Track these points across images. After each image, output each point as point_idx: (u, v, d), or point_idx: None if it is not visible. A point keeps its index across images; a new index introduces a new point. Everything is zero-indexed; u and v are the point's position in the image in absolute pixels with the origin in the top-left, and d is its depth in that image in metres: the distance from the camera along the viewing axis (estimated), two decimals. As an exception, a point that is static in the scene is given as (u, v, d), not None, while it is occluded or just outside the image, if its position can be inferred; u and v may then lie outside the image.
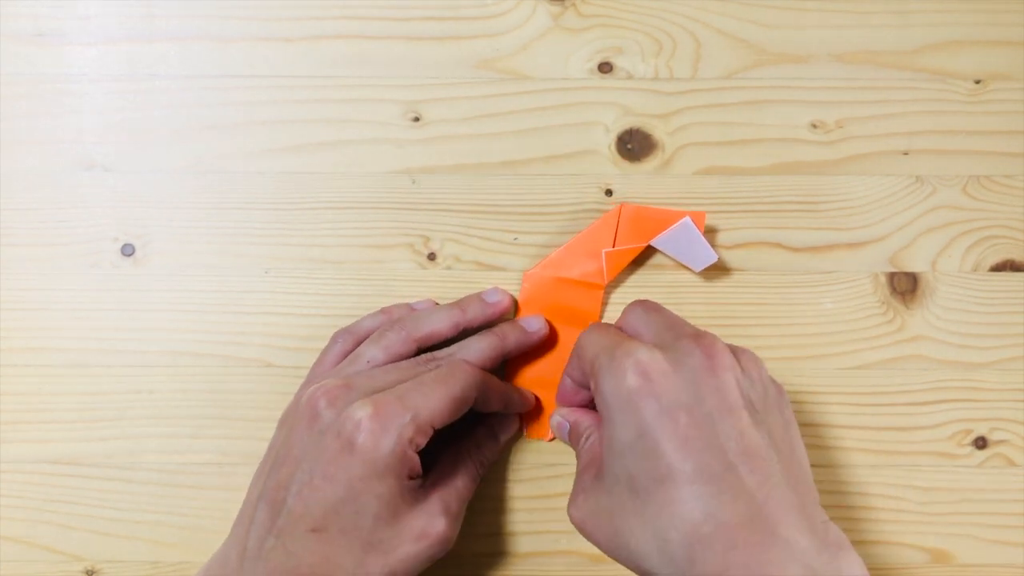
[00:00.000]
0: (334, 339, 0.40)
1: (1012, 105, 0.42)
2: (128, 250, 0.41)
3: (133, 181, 0.41)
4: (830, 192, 0.42)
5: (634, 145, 0.42)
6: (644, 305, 0.36)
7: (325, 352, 0.40)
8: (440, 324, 0.39)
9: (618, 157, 0.42)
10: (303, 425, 0.35)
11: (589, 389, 0.35)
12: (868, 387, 0.41)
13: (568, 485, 0.41)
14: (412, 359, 0.38)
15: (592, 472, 0.35)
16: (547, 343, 0.40)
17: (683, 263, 0.41)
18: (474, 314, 0.39)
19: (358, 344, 0.39)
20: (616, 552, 0.33)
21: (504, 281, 0.41)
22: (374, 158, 0.42)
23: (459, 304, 0.40)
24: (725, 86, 0.42)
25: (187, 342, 0.41)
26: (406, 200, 0.41)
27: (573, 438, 0.37)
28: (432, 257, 0.41)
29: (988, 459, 0.41)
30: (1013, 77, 0.42)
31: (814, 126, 0.42)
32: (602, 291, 0.41)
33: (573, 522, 0.35)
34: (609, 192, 0.42)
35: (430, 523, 0.35)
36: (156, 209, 0.41)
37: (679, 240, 0.40)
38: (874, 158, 0.42)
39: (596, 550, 0.41)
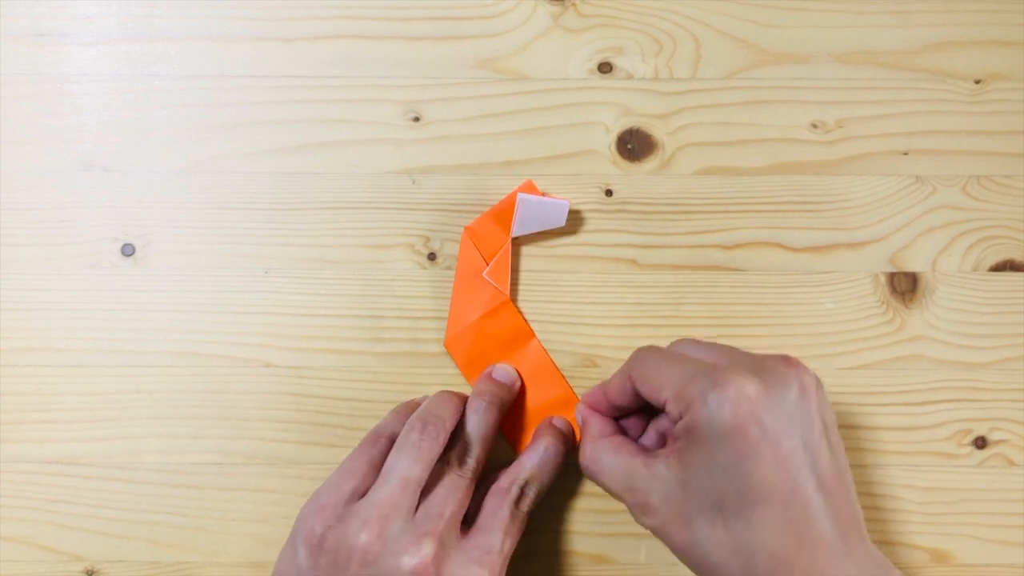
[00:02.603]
0: (369, 442, 0.38)
1: (1012, 105, 0.42)
2: (128, 250, 0.41)
3: (133, 181, 0.41)
4: (830, 192, 0.42)
5: (634, 145, 0.42)
6: (697, 340, 0.37)
7: (357, 462, 0.37)
8: (455, 414, 0.38)
9: (618, 157, 0.42)
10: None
11: (623, 406, 0.37)
12: (868, 387, 0.41)
13: (567, 484, 0.41)
14: (448, 473, 0.37)
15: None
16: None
17: (551, 228, 0.40)
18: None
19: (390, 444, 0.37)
20: (690, 558, 0.34)
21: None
22: (374, 158, 0.42)
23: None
24: (725, 86, 0.42)
25: (187, 342, 0.41)
26: (406, 200, 0.41)
27: None
28: (432, 257, 0.41)
29: (988, 459, 0.41)
30: (1013, 77, 0.42)
31: (814, 126, 0.42)
32: (511, 303, 0.41)
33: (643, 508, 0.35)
34: (609, 192, 0.42)
35: None
36: (156, 209, 0.41)
37: (529, 216, 0.40)
38: (874, 158, 0.42)
39: (597, 550, 0.41)
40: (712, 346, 0.36)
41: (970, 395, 0.41)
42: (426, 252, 0.41)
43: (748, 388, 0.33)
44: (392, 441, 0.37)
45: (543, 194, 0.40)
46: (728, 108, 0.42)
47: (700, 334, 0.41)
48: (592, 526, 0.41)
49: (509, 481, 0.38)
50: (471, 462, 0.37)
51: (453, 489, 0.36)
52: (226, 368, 0.41)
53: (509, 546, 0.37)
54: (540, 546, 0.41)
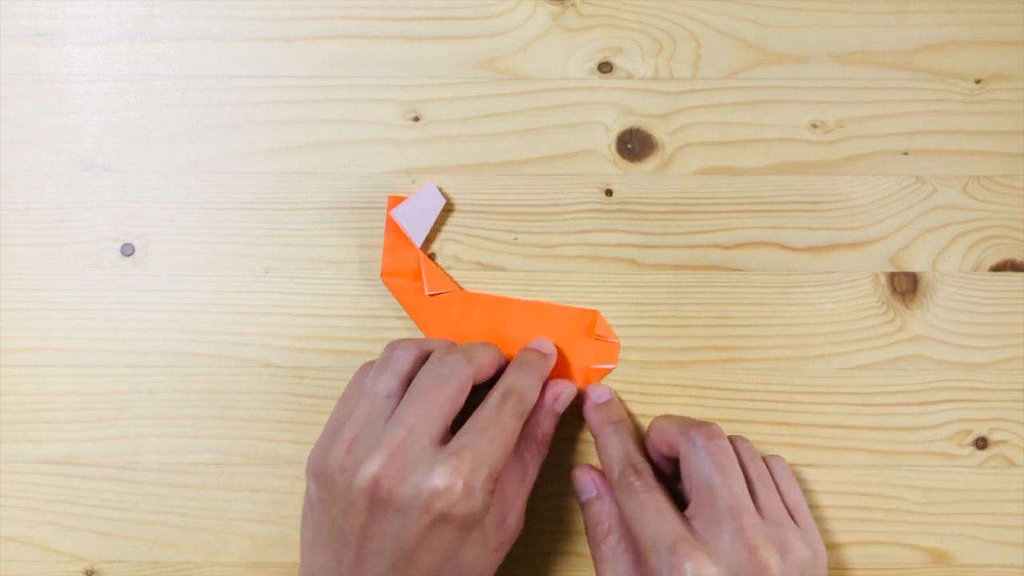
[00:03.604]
0: (357, 377, 0.38)
1: (1012, 105, 0.42)
2: (128, 250, 0.41)
3: (133, 181, 0.41)
4: (830, 192, 0.42)
5: (634, 145, 0.42)
6: (712, 451, 0.37)
7: (344, 395, 0.38)
8: (490, 359, 0.38)
9: (618, 157, 0.42)
10: (365, 512, 0.34)
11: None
12: (868, 387, 0.41)
13: (567, 485, 0.41)
14: (432, 375, 0.37)
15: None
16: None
17: (439, 213, 0.41)
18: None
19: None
20: None
21: (504, 281, 0.41)
22: (374, 158, 0.42)
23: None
24: (725, 86, 0.42)
25: (187, 342, 0.41)
26: (406, 200, 0.42)
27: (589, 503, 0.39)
28: (432, 257, 0.41)
29: (988, 459, 0.41)
30: (1013, 77, 0.42)
31: (814, 126, 0.42)
32: (467, 291, 0.41)
33: None
34: (609, 192, 0.42)
35: (507, 525, 0.37)
36: (156, 209, 0.41)
37: (414, 220, 0.41)
38: (874, 158, 0.42)
39: (596, 550, 0.41)
40: (716, 481, 0.36)
41: (971, 395, 0.41)
42: (426, 252, 0.41)
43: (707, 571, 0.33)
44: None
45: (404, 197, 0.41)
46: (728, 108, 0.42)
47: (700, 334, 0.41)
48: (592, 526, 0.41)
49: (491, 392, 0.37)
50: (452, 357, 0.37)
51: (431, 380, 0.36)
52: (226, 368, 0.41)
53: (489, 447, 0.35)
54: (540, 546, 0.41)
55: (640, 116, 0.42)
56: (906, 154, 0.42)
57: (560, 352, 0.41)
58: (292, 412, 0.41)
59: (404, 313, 0.41)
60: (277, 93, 0.42)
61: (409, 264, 0.41)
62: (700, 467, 0.36)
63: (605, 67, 0.42)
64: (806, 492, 0.41)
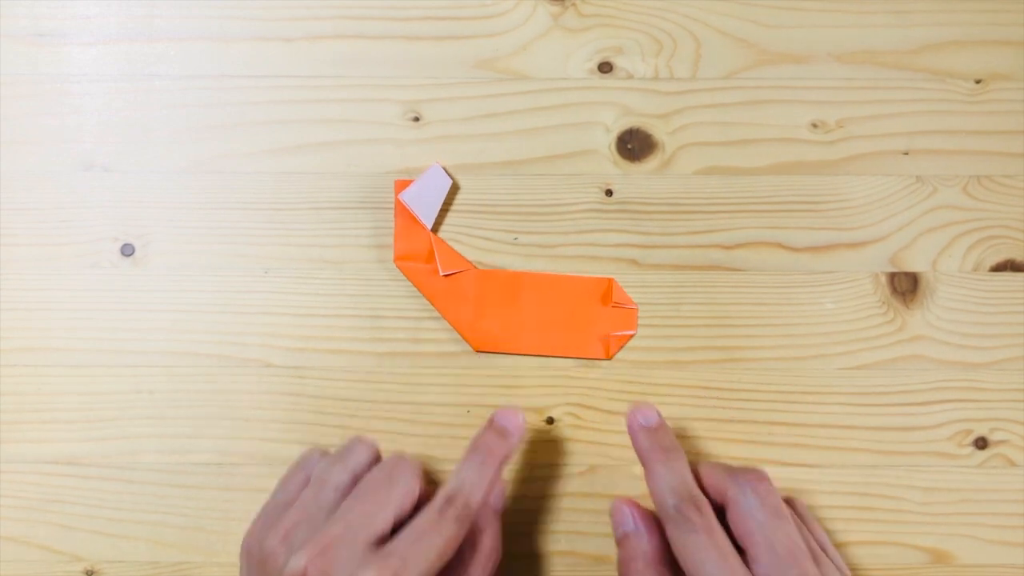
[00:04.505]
0: (303, 459, 0.38)
1: (1012, 105, 0.42)
2: (128, 250, 0.41)
3: (133, 181, 0.41)
4: (830, 192, 0.42)
5: (634, 145, 0.42)
6: (763, 495, 0.36)
7: (287, 477, 0.38)
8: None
9: (618, 157, 0.42)
10: None
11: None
12: (868, 387, 0.41)
13: (568, 485, 0.41)
14: (379, 477, 0.35)
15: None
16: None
17: (446, 193, 0.41)
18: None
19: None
20: None
21: (504, 281, 0.41)
22: (374, 158, 0.42)
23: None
24: (725, 86, 0.42)
25: (187, 342, 0.41)
26: (406, 200, 0.42)
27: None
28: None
29: (988, 459, 0.41)
30: (1013, 77, 0.42)
31: (814, 126, 0.42)
32: (480, 269, 0.41)
33: None
34: (609, 192, 0.42)
35: None
36: (156, 209, 0.41)
37: (423, 202, 0.41)
38: (874, 158, 0.42)
39: (596, 550, 0.41)
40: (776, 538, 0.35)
41: (971, 395, 0.41)
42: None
43: None
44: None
45: (410, 181, 0.41)
46: (728, 108, 0.42)
47: (700, 334, 0.41)
48: (592, 526, 0.41)
49: (439, 492, 0.36)
50: (403, 464, 0.36)
51: (378, 481, 0.35)
52: (226, 368, 0.41)
53: (420, 556, 0.33)
54: (540, 546, 0.41)
55: (640, 116, 0.42)
56: (906, 154, 0.42)
57: (579, 324, 0.41)
58: (292, 412, 0.41)
59: (405, 313, 0.41)
60: (277, 93, 0.42)
61: (421, 246, 0.41)
62: (754, 511, 0.35)
63: (605, 67, 0.42)
64: (806, 492, 0.41)
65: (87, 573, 0.41)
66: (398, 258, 0.41)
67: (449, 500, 0.35)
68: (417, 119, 0.42)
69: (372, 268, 0.41)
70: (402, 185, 0.41)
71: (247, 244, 0.41)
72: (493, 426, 0.37)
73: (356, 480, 0.36)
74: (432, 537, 0.34)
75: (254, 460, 0.41)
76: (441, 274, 0.41)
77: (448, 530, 0.34)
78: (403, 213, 0.41)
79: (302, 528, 0.34)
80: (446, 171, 0.41)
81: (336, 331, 0.41)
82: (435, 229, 0.41)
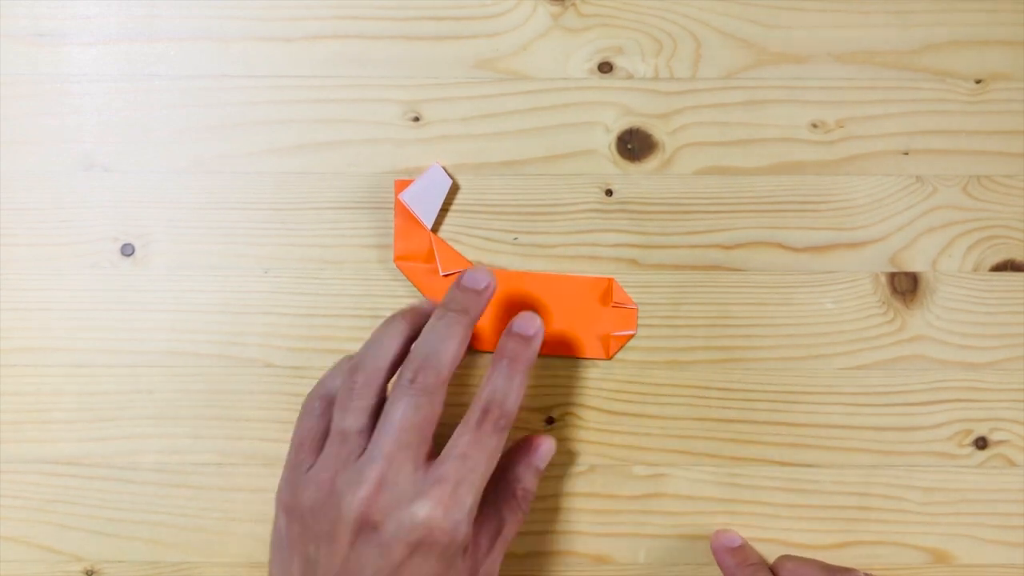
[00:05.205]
0: (308, 411, 0.37)
1: (1012, 105, 0.42)
2: (128, 250, 0.41)
3: (133, 181, 0.41)
4: (830, 192, 0.42)
5: (634, 145, 0.42)
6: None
7: (302, 431, 0.37)
8: (398, 349, 0.37)
9: (618, 157, 0.42)
10: (345, 541, 0.34)
11: None
12: (868, 387, 0.41)
13: (568, 485, 0.41)
14: (398, 394, 0.35)
15: None
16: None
17: (446, 193, 0.41)
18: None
19: (332, 406, 0.37)
20: None
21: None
22: (374, 158, 0.42)
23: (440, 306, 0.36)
24: (725, 86, 0.42)
25: (187, 342, 0.41)
26: (406, 200, 0.42)
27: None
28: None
29: (988, 459, 0.41)
30: (1013, 77, 0.42)
31: (814, 126, 0.42)
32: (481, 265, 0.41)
33: None
34: (609, 192, 0.42)
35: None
36: (156, 209, 0.41)
37: (424, 202, 0.40)
38: (874, 158, 0.42)
39: (596, 550, 0.41)
40: None
41: (971, 395, 0.41)
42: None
43: None
44: (330, 401, 0.37)
45: (411, 181, 0.41)
46: (728, 108, 0.42)
47: (700, 334, 0.41)
48: (592, 526, 0.41)
49: (472, 405, 0.36)
50: (423, 378, 0.35)
51: (403, 412, 0.34)
52: (226, 368, 0.41)
53: (469, 473, 0.34)
54: (540, 546, 0.41)
55: (640, 116, 0.42)
56: (906, 154, 0.42)
57: (579, 324, 0.41)
58: (292, 412, 0.41)
59: (404, 313, 0.41)
60: (277, 93, 0.42)
61: (421, 246, 0.41)
62: None
63: (605, 67, 0.42)
64: (806, 492, 0.41)
65: (87, 573, 0.41)
66: (398, 258, 0.41)
67: (485, 412, 0.35)
68: (417, 119, 0.42)
69: (372, 268, 0.41)
70: (402, 185, 0.41)
71: (247, 244, 0.41)
72: (514, 331, 0.37)
73: (376, 414, 0.35)
74: (476, 453, 0.35)
75: (254, 460, 0.41)
76: (441, 274, 0.41)
77: (490, 442, 0.35)
78: (403, 213, 0.41)
79: (342, 475, 0.34)
80: (446, 171, 0.41)
81: (336, 331, 0.41)
82: (435, 229, 0.41)
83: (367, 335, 0.41)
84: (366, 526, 0.33)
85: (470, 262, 0.41)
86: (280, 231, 0.41)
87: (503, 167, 0.42)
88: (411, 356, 0.35)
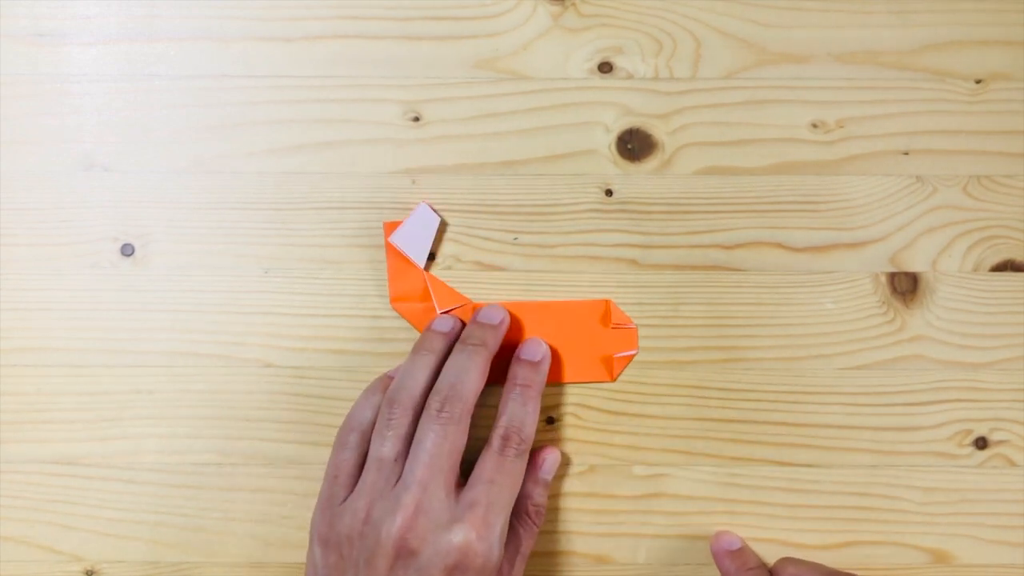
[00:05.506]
0: (342, 444, 0.38)
1: (1012, 105, 0.42)
2: (128, 250, 0.41)
3: (133, 181, 0.41)
4: (830, 192, 0.42)
5: (634, 145, 0.42)
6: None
7: (337, 463, 0.38)
8: (431, 376, 0.38)
9: (618, 157, 0.42)
10: (384, 567, 0.35)
11: None
12: (868, 387, 0.41)
13: (568, 485, 0.41)
14: (428, 423, 0.37)
15: None
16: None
17: (436, 231, 0.41)
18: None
19: (366, 439, 0.38)
20: None
21: (504, 281, 0.41)
22: (374, 158, 0.42)
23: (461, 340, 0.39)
24: (725, 86, 0.42)
25: (187, 342, 0.41)
26: (406, 200, 0.41)
27: None
28: (432, 257, 0.41)
29: (988, 459, 0.41)
30: (1013, 77, 0.42)
31: (814, 126, 0.42)
32: (478, 304, 0.41)
33: None
34: (609, 192, 0.42)
35: None
36: (156, 209, 0.41)
37: (414, 242, 0.41)
38: (874, 158, 0.42)
39: (596, 550, 0.41)
40: None
41: (971, 395, 0.41)
42: (428, 259, 0.41)
43: None
44: (363, 433, 0.38)
45: (399, 222, 0.41)
46: (728, 108, 0.42)
47: (700, 334, 0.41)
48: (592, 526, 0.41)
49: (493, 433, 0.38)
50: (449, 408, 0.37)
51: (433, 440, 0.36)
52: (226, 368, 0.41)
53: (497, 497, 0.36)
54: (540, 546, 0.41)
55: (640, 116, 0.42)
56: (906, 154, 0.42)
57: (581, 348, 0.41)
58: (292, 412, 0.41)
59: (404, 313, 0.41)
60: (277, 93, 0.42)
61: (416, 286, 0.41)
62: None
63: (605, 67, 0.42)
64: (806, 492, 0.41)
65: (87, 573, 0.41)
66: (394, 300, 0.41)
67: (505, 439, 0.38)
68: (417, 119, 0.42)
69: (372, 268, 0.41)
70: (391, 227, 0.41)
71: (247, 244, 0.41)
72: (523, 359, 0.40)
73: (409, 439, 0.37)
74: (501, 477, 0.37)
75: (254, 460, 0.41)
76: (439, 312, 0.41)
77: (513, 467, 0.37)
78: (394, 254, 0.41)
79: (379, 504, 0.36)
80: (433, 209, 0.41)
81: (336, 331, 0.41)
82: (437, 239, 0.41)
83: (367, 335, 0.41)
84: (404, 552, 0.35)
85: (466, 298, 0.41)
86: (280, 231, 0.41)
87: (503, 167, 0.42)
88: (437, 388, 0.37)
